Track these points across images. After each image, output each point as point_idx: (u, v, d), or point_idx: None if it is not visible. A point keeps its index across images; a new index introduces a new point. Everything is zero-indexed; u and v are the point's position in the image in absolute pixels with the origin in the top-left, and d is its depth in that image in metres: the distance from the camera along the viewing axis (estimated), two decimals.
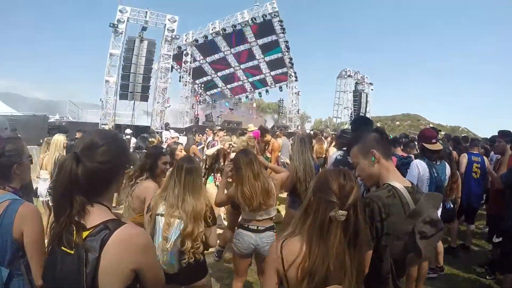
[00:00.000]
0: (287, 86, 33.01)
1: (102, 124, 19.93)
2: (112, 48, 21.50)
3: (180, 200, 2.70)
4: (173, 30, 22.55)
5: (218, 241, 3.55)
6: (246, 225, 3.36)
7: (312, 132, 14.22)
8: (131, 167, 3.48)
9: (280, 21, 26.68)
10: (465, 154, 5.97)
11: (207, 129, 15.41)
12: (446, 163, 4.27)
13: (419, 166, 3.80)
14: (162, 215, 2.70)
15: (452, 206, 5.03)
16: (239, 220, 3.57)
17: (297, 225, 1.57)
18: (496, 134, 5.84)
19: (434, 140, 3.97)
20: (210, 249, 3.07)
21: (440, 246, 4.81)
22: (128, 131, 14.55)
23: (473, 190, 5.80)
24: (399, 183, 1.90)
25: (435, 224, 1.72)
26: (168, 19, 22.46)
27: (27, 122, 15.84)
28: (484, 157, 6.11)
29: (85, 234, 1.28)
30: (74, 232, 1.29)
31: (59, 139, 6.12)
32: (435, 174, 3.85)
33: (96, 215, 1.33)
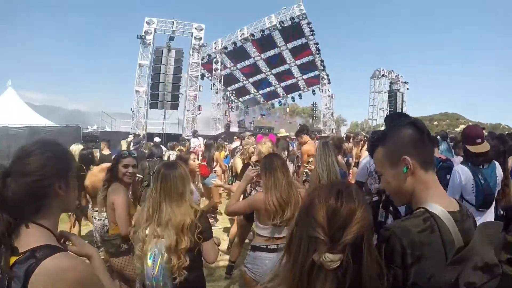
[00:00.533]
0: (320, 89, 32.32)
1: (130, 134, 20.38)
2: (141, 59, 22.07)
3: (156, 211, 2.36)
4: (200, 38, 22.81)
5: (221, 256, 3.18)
6: (265, 246, 2.81)
7: (344, 135, 13.69)
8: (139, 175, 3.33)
9: (309, 23, 26.25)
10: None
11: (235, 136, 15.25)
12: (497, 164, 3.42)
13: (462, 174, 3.17)
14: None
15: (503, 213, 3.94)
16: (254, 239, 3.01)
17: (277, 269, 1.06)
18: None
19: (479, 140, 3.23)
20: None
21: None
22: (157, 139, 14.75)
23: None
24: (441, 206, 1.23)
25: (490, 270, 1.04)
26: (195, 28, 22.76)
27: (60, 133, 16.20)
28: None
29: (13, 259, 1.06)
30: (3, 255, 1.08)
31: (74, 149, 6.10)
32: (482, 181, 3.16)
33: (30, 238, 1.10)
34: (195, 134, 17.39)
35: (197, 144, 14.16)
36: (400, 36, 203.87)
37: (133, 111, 21.97)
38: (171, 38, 22.51)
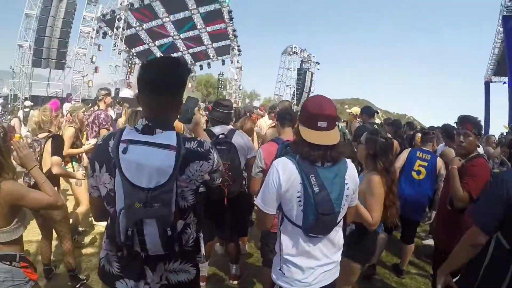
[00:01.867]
0: (230, 60, 31.12)
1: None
2: (29, 8, 18.52)
3: None
4: None
5: None
6: None
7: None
8: None
9: None
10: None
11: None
12: (350, 165, 2.40)
13: (282, 172, 1.88)
14: None
15: None
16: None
17: None
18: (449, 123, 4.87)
19: (323, 124, 1.77)
20: None
21: None
22: (27, 103, 12.45)
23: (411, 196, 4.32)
24: None
25: None
26: None
27: None
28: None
29: None
30: None
31: None
32: (316, 189, 1.92)
33: None
34: (68, 98, 15.22)
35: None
36: (316, 15, 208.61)
37: (13, 69, 18.55)
38: None
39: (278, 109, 5.80)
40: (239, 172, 3.41)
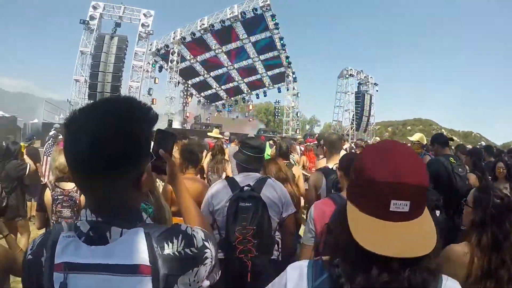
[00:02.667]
0: (286, 88, 30.72)
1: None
2: (83, 46, 20.02)
3: None
4: (148, 26, 20.79)
5: None
6: None
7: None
8: None
9: (273, 15, 24.46)
10: None
11: None
12: None
13: None
14: None
15: None
16: None
17: None
18: None
19: None
20: None
21: None
22: (56, 125, 12.90)
23: None
24: None
25: None
26: (143, 14, 20.76)
27: None
28: None
29: None
30: None
31: None
32: None
33: None
34: None
35: None
36: (371, 35, 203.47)
37: (70, 101, 19.92)
38: (118, 25, 20.57)
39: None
40: (268, 237, 2.57)
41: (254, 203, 2.47)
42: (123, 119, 0.91)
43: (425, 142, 7.15)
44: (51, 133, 12.96)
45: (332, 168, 3.42)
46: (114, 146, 0.87)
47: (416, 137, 6.98)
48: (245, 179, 2.65)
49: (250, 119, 35.45)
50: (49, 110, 21.13)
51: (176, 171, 1.29)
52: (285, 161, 5.03)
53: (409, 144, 7.10)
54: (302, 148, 10.09)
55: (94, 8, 20.09)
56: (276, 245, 2.72)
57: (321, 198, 3.29)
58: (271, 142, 10.98)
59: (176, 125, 25.77)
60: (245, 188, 2.52)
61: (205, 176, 7.06)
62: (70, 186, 3.26)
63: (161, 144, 1.24)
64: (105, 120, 0.90)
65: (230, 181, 2.66)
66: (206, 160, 6.80)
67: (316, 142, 11.38)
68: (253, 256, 2.41)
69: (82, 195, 3.11)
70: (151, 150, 1.12)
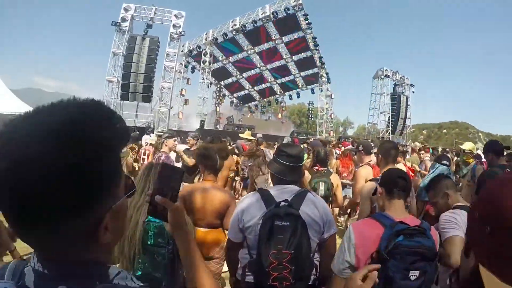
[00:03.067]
0: (320, 89, 30.06)
1: None
2: (116, 47, 20.48)
3: None
4: (179, 27, 20.96)
5: None
6: None
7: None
8: None
9: (305, 14, 24.00)
10: None
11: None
12: None
13: None
14: None
15: None
16: None
17: None
18: None
19: None
20: None
21: None
22: None
23: None
24: None
25: None
26: (174, 15, 20.95)
27: None
28: None
29: None
30: None
31: None
32: None
33: None
34: (147, 130, 15.69)
35: (148, 141, 11.90)
36: (408, 35, 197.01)
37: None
38: (149, 26, 20.91)
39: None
40: (307, 262, 2.18)
41: (292, 222, 2.07)
42: (62, 139, 0.57)
43: (475, 151, 6.67)
44: None
45: None
46: (40, 183, 0.55)
47: (467, 146, 6.55)
48: (281, 193, 2.27)
49: (283, 121, 35.05)
50: None
51: (182, 221, 1.05)
52: (323, 169, 4.65)
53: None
54: (338, 152, 9.44)
55: (126, 10, 20.49)
56: (315, 270, 2.32)
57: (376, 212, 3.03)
58: (305, 145, 10.48)
59: (208, 125, 25.90)
60: (282, 203, 2.12)
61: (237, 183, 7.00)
62: None
63: (164, 181, 1.00)
64: (32, 139, 0.57)
65: (264, 194, 2.28)
66: (228, 163, 6.57)
67: (351, 146, 10.72)
68: (289, 285, 2.04)
69: None
70: (152, 188, 0.97)
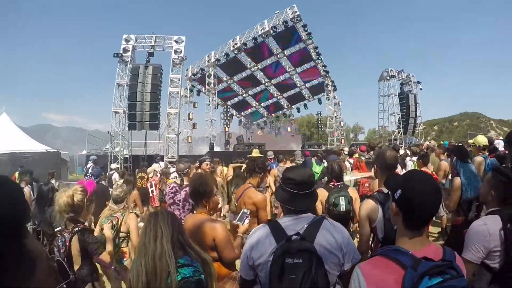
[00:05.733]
0: (327, 98, 29.74)
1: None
2: (119, 78, 20.52)
3: None
4: (180, 52, 20.95)
5: None
6: None
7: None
8: None
9: (304, 25, 23.91)
10: None
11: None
12: None
13: None
14: None
15: None
16: None
17: None
18: None
19: None
20: None
21: None
22: (113, 165, 13.06)
23: None
24: None
25: None
26: (175, 41, 20.97)
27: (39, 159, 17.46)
28: None
29: None
30: None
31: None
32: None
33: None
34: (156, 159, 15.49)
35: (158, 170, 11.62)
36: (407, 32, 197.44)
37: (110, 133, 20.39)
38: (151, 54, 20.88)
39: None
40: None
41: (306, 259, 1.82)
42: None
43: (483, 143, 6.33)
44: (88, 166, 13.07)
45: (389, 193, 2.70)
46: None
47: (478, 140, 6.27)
48: (294, 223, 2.04)
49: (293, 134, 34.75)
50: (93, 142, 21.91)
51: None
52: (339, 183, 4.43)
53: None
54: (352, 161, 8.89)
55: (126, 41, 20.57)
56: None
57: (378, 232, 2.76)
58: (315, 158, 10.11)
59: (218, 148, 25.74)
60: (293, 237, 1.89)
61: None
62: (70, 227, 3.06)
63: None
64: None
65: (274, 226, 2.05)
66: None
67: (364, 150, 10.23)
68: None
69: (74, 238, 2.94)
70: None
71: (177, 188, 5.10)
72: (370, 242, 2.93)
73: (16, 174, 11.74)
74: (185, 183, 5.22)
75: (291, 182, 2.12)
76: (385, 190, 2.76)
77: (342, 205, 4.08)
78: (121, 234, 4.20)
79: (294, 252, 1.82)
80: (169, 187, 5.34)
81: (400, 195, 1.60)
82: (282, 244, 1.86)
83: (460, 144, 10.33)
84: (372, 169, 3.41)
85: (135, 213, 4.42)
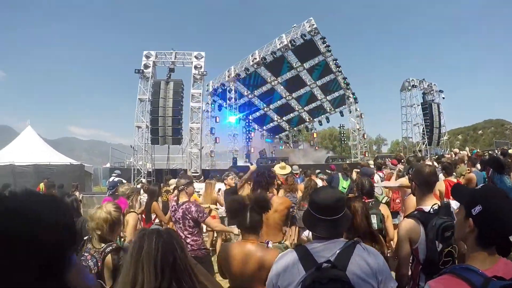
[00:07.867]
0: (349, 110, 29.51)
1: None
2: (141, 94, 21.12)
3: None
4: (201, 67, 21.41)
5: None
6: None
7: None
8: None
9: (323, 38, 24.00)
10: None
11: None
12: None
13: None
14: None
15: None
16: None
17: None
18: None
19: None
20: None
21: None
22: (117, 171, 13.20)
23: None
24: None
25: None
26: (195, 56, 21.48)
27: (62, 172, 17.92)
28: None
29: None
30: None
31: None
32: None
33: None
34: (180, 174, 15.62)
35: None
36: (427, 40, 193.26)
37: (133, 147, 20.87)
38: (171, 70, 21.44)
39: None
40: None
41: None
42: None
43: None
44: (110, 179, 13.28)
45: (430, 211, 2.55)
46: None
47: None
48: (324, 249, 1.89)
49: (316, 148, 34.51)
50: (117, 156, 22.43)
51: None
52: (370, 200, 4.29)
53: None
54: (381, 175, 8.54)
55: (147, 57, 21.22)
56: None
57: (419, 255, 2.55)
58: (342, 173, 9.74)
59: (240, 162, 25.83)
60: (324, 265, 1.75)
61: None
62: (99, 246, 2.86)
63: None
64: None
65: (302, 252, 1.89)
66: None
67: (396, 164, 9.60)
68: None
69: (107, 257, 2.77)
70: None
71: (175, 206, 4.81)
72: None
73: (41, 185, 12.12)
74: (184, 199, 4.84)
75: (317, 207, 1.96)
76: (426, 209, 2.62)
77: (374, 223, 3.76)
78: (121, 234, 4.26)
79: (325, 282, 1.69)
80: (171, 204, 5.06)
81: (480, 211, 1.51)
82: (312, 273, 1.74)
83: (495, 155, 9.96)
84: (411, 184, 3.21)
85: (135, 212, 4.57)
